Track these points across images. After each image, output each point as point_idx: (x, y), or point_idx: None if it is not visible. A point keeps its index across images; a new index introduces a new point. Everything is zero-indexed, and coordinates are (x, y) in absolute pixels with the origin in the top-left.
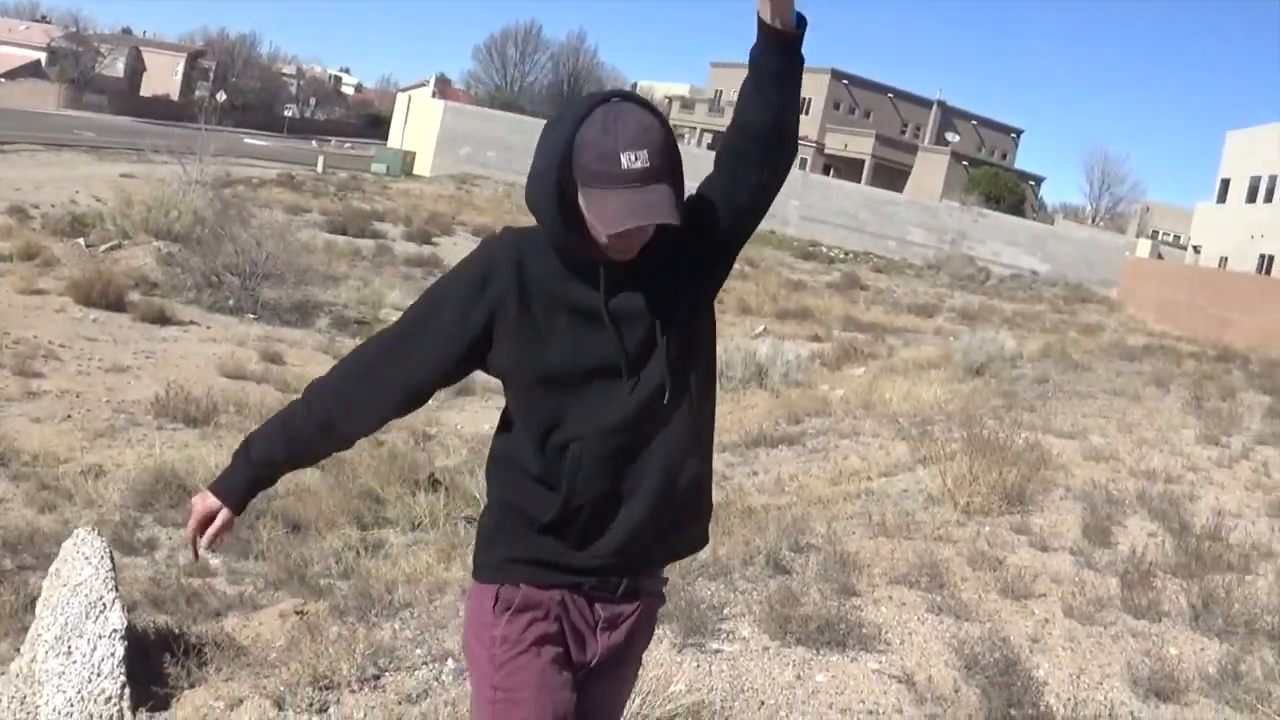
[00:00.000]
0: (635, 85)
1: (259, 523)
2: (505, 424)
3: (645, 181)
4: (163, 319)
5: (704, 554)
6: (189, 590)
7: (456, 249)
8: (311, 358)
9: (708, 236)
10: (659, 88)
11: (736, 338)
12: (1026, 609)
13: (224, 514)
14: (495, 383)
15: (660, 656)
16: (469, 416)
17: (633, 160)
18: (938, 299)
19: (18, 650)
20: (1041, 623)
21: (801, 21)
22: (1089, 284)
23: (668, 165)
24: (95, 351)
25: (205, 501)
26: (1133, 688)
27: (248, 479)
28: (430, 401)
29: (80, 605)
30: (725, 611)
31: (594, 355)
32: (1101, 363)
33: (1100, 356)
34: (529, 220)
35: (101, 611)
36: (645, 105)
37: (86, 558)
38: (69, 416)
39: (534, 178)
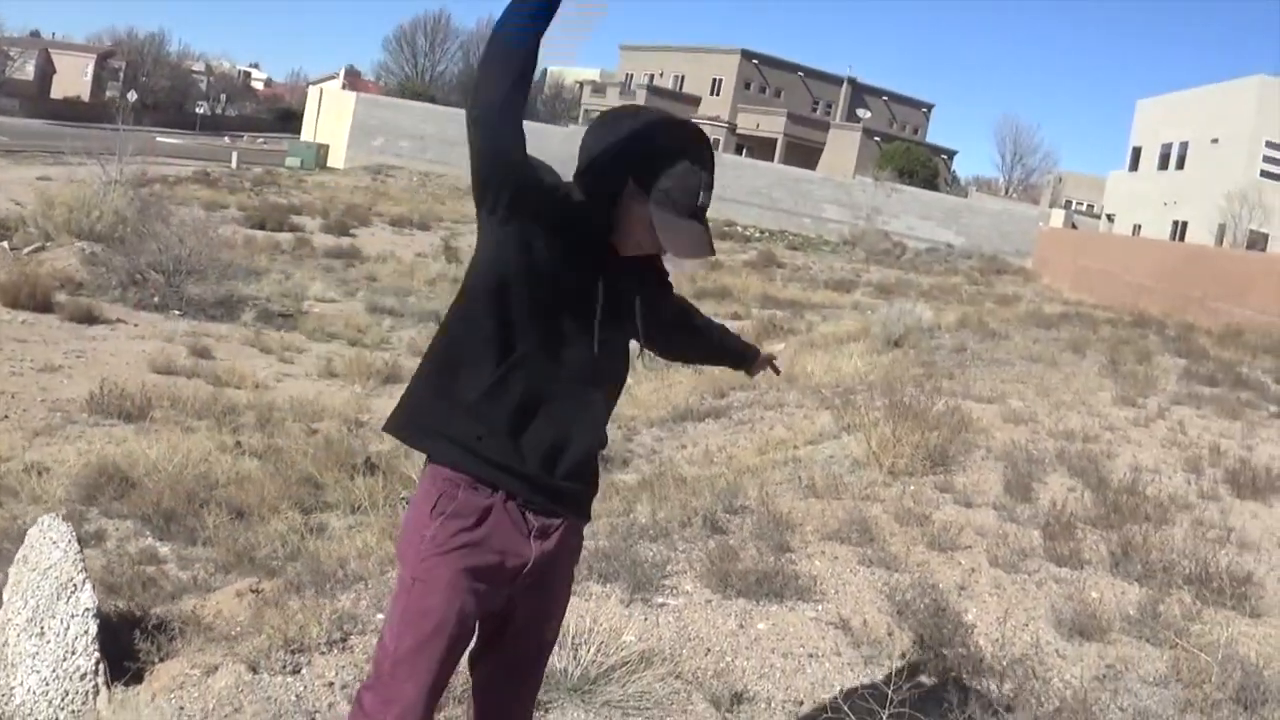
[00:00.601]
0: (545, 72)
1: (203, 510)
2: (460, 325)
3: (703, 220)
4: (90, 318)
5: (644, 518)
6: (143, 576)
7: (375, 239)
8: (239, 351)
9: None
10: (569, 72)
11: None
12: (953, 560)
13: None
14: None
15: (610, 611)
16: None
17: (705, 201)
18: (854, 274)
19: None
20: (968, 572)
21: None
22: (1004, 255)
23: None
24: (26, 352)
25: None
26: (1057, 628)
27: None
28: (359, 389)
29: (50, 588)
30: (668, 569)
31: (575, 294)
32: (1018, 331)
33: (1017, 325)
34: (443, 209)
35: (73, 592)
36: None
37: (54, 542)
38: (5, 416)
39: (602, 166)
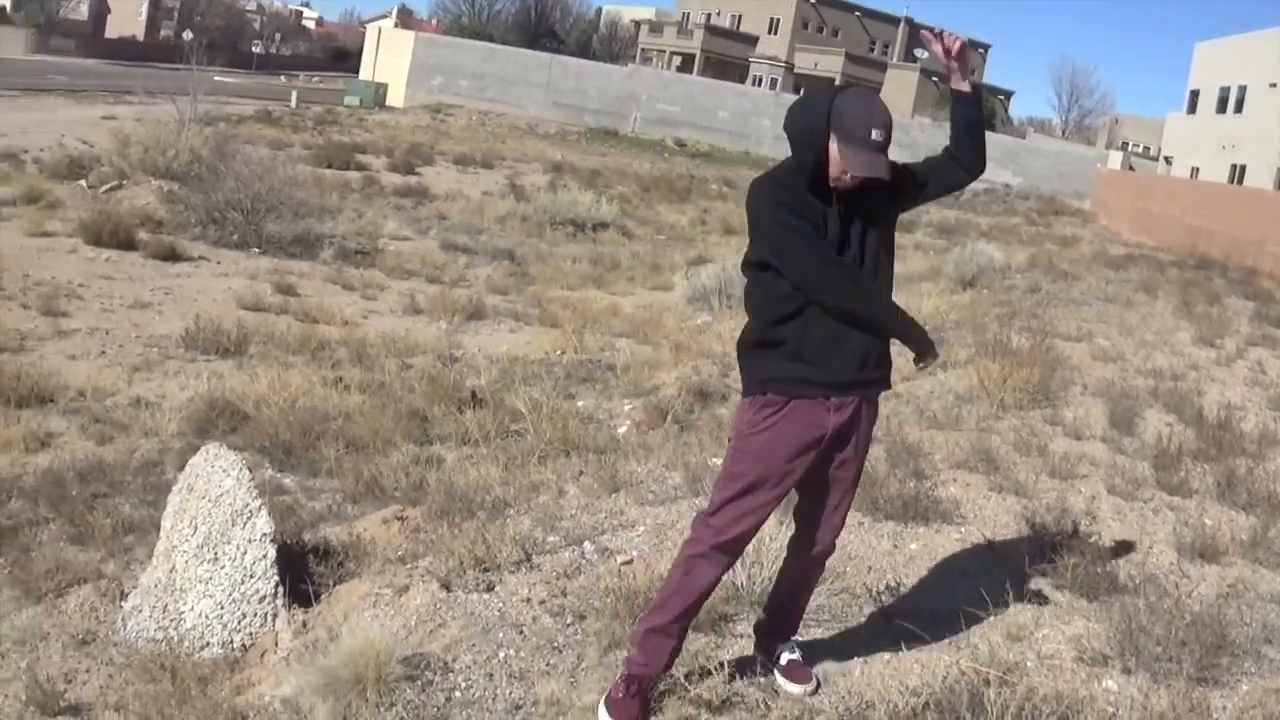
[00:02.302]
0: (600, 11)
1: (319, 443)
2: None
3: (879, 151)
4: (173, 256)
5: None
6: (280, 506)
7: (440, 178)
8: (322, 288)
9: (898, 191)
10: (626, 11)
11: (730, 256)
12: (1074, 488)
13: None
14: (504, 306)
15: (774, 532)
16: (485, 339)
17: (878, 135)
18: (914, 214)
19: (127, 568)
20: (1090, 499)
21: (976, 88)
22: (1062, 196)
23: (888, 143)
24: (114, 290)
25: None
26: (1179, 551)
27: None
28: (444, 325)
29: (224, 515)
30: None
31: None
32: (1089, 272)
33: (1086, 266)
34: (504, 148)
35: (249, 518)
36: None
37: (225, 470)
38: (103, 353)
39: (804, 130)
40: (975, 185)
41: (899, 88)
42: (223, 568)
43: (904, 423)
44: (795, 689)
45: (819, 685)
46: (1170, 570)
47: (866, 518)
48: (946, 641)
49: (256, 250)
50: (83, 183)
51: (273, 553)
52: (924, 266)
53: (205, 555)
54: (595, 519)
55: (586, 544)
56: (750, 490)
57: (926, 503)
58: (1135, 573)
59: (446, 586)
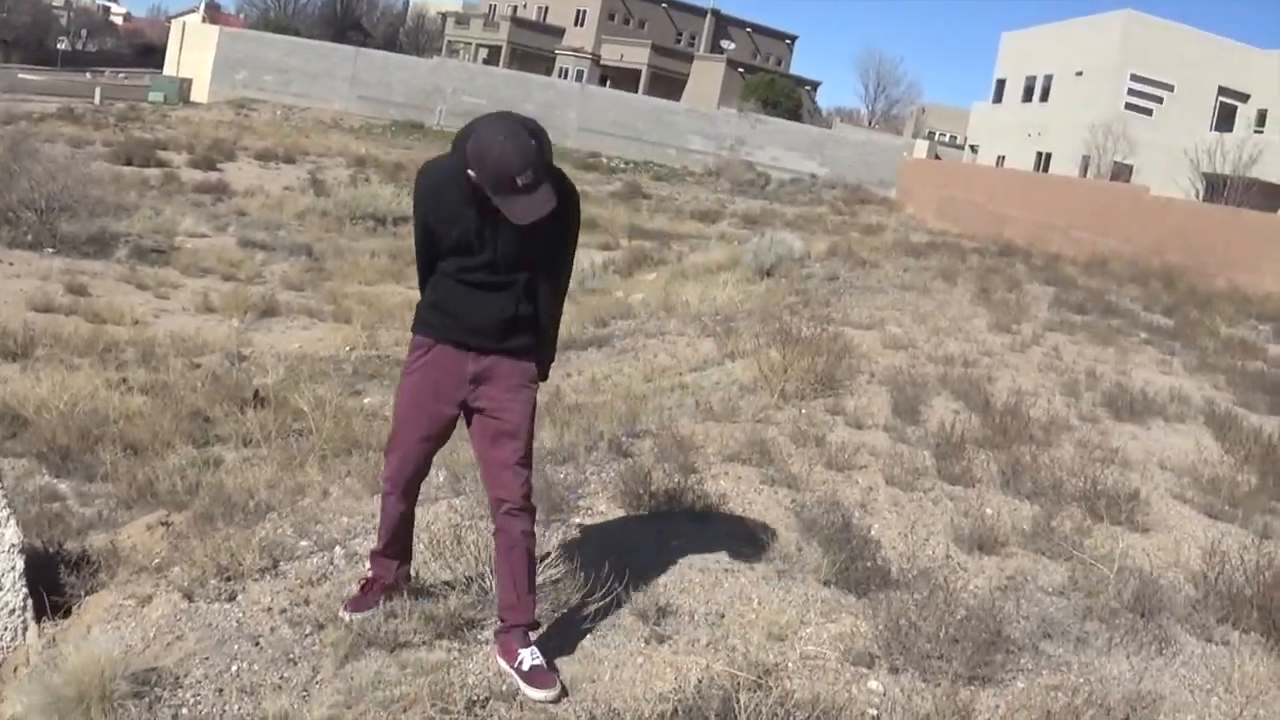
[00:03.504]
0: (408, 3)
1: (98, 447)
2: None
3: (534, 189)
4: None
5: (549, 442)
6: (49, 513)
7: (242, 173)
8: (115, 288)
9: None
10: (433, 4)
11: None
12: (851, 479)
13: None
14: (299, 303)
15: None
16: (277, 337)
17: (524, 179)
18: (719, 205)
19: None
20: (866, 490)
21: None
22: (868, 186)
23: (543, 169)
24: None
25: None
26: (957, 542)
27: None
28: (237, 322)
29: None
30: (580, 491)
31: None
32: (888, 260)
33: (886, 254)
34: (308, 142)
35: None
36: (525, 128)
37: None
38: None
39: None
40: (781, 175)
41: (705, 79)
42: None
43: (679, 415)
44: (538, 695)
45: (564, 691)
46: (945, 563)
47: (631, 513)
48: (704, 643)
49: (50, 250)
50: None
51: (20, 564)
52: (724, 256)
53: None
54: (352, 521)
55: (337, 549)
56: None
57: (692, 497)
58: (907, 566)
59: (189, 596)
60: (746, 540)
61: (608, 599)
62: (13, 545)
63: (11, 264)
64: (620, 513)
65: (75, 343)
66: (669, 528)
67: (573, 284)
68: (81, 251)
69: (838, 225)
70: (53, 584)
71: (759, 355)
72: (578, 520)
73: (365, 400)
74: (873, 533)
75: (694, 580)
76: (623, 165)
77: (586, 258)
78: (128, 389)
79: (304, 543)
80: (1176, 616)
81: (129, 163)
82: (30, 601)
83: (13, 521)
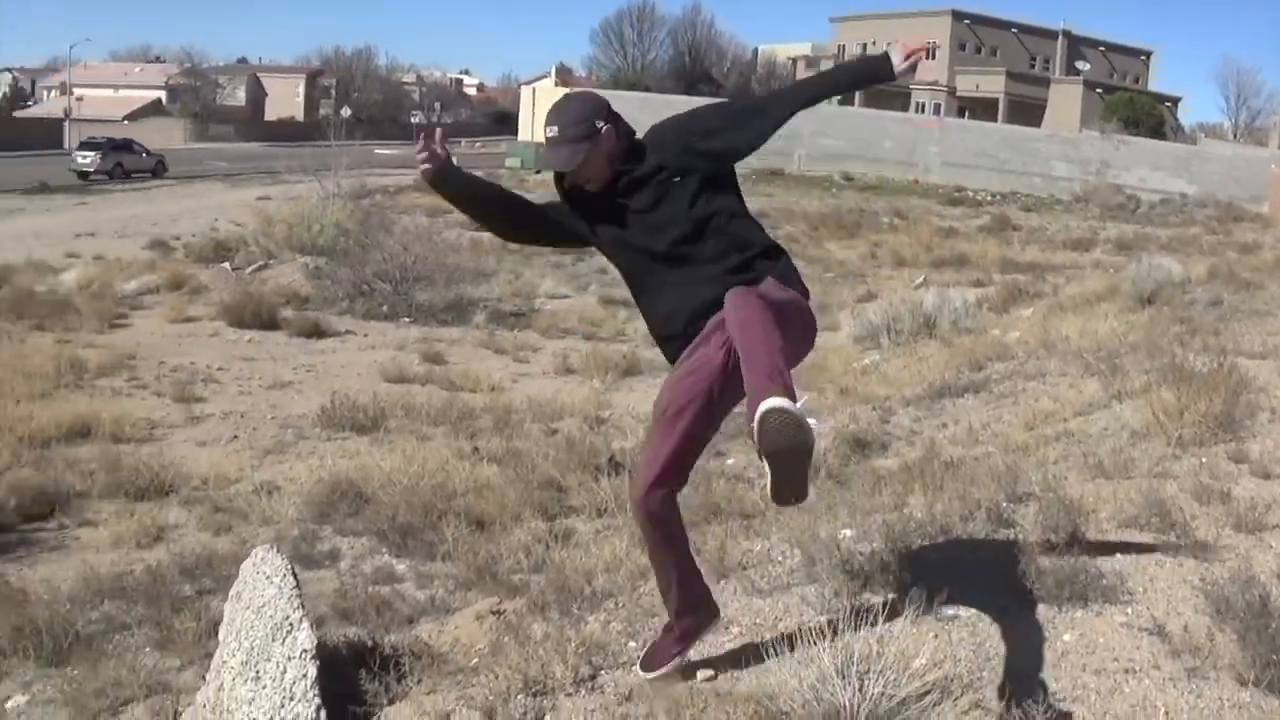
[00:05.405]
0: (757, 51)
1: (441, 522)
2: None
3: (552, 145)
4: (318, 332)
5: (919, 512)
6: (378, 599)
7: None
8: (473, 354)
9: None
10: (781, 50)
11: (899, 290)
12: (1264, 543)
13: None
14: (661, 362)
15: (897, 630)
16: (639, 398)
17: (550, 131)
18: (1091, 232)
19: (203, 679)
20: None
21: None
22: (1239, 201)
23: (564, 134)
24: (254, 371)
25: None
26: None
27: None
28: (597, 384)
29: (265, 628)
30: (951, 574)
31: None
32: (1272, 279)
33: (1270, 274)
34: None
35: (289, 632)
36: (574, 95)
37: (268, 577)
38: (235, 437)
39: None
40: (1150, 196)
41: (1064, 102)
42: (264, 688)
43: (1066, 471)
44: None
45: None
46: None
47: (1010, 602)
48: None
49: (406, 320)
50: (226, 265)
51: (313, 671)
52: (1101, 286)
53: (248, 673)
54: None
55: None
56: None
57: (1086, 577)
58: None
59: (489, 715)
60: (1148, 630)
61: (986, 713)
62: (305, 650)
63: (366, 335)
64: (1001, 601)
65: (428, 412)
66: (1058, 616)
67: (944, 323)
68: (438, 319)
69: (1213, 245)
70: (353, 691)
71: (1150, 395)
72: (950, 611)
73: (728, 461)
74: None
75: (1088, 685)
76: (988, 198)
77: (959, 296)
78: (479, 458)
79: (632, 644)
80: None
81: None
82: (323, 713)
83: (305, 625)
